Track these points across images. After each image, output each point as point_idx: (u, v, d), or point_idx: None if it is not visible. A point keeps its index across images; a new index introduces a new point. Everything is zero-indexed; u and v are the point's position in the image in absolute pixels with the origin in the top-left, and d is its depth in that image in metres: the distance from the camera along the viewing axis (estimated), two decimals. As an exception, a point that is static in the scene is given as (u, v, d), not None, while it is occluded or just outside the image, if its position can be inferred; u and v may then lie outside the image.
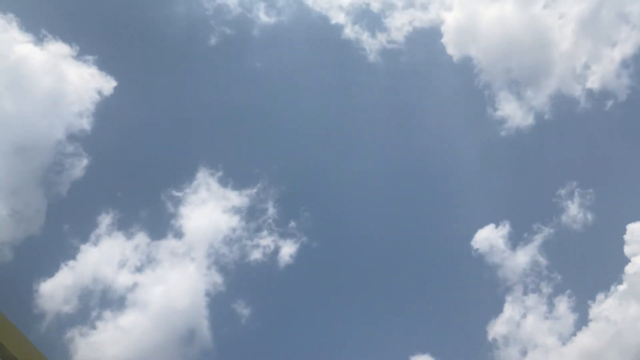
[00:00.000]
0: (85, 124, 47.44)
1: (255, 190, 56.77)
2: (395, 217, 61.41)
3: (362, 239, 60.81)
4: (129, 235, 51.04)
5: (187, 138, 57.49)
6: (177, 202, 55.11)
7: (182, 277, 50.45)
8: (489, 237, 57.88)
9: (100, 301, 47.55)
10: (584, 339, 52.43)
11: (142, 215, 53.71)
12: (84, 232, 50.39)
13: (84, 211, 50.48)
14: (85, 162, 47.51)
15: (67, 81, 45.70)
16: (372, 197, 60.78)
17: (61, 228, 46.96)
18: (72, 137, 45.69)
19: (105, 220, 49.96)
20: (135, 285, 48.36)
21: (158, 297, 48.40)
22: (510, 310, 55.43)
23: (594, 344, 50.90)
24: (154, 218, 53.86)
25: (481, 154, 60.28)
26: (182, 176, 61.79)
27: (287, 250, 58.57)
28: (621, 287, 53.80)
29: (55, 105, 43.67)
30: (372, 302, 59.82)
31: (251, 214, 57.38)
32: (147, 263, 49.30)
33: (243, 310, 53.39)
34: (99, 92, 46.85)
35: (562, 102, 57.28)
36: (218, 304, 53.22)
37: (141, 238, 50.02)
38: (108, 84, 47.32)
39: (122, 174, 53.74)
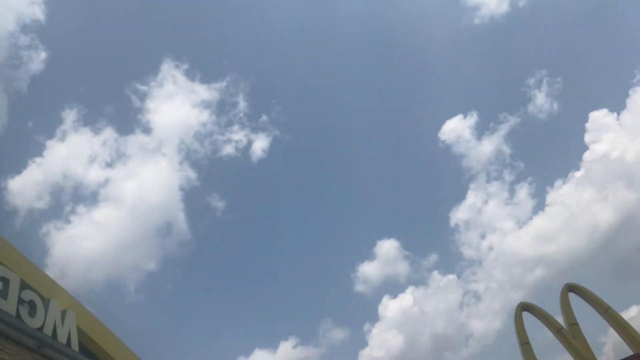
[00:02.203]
0: (38, 12, 44.03)
1: (224, 83, 55.54)
2: (366, 107, 61.03)
3: (334, 130, 60.57)
4: (96, 131, 49.59)
5: (150, 26, 54.47)
6: (143, 96, 53.61)
7: (154, 173, 49.49)
8: (456, 128, 57.78)
9: (72, 196, 46.55)
10: (540, 222, 53.29)
11: (107, 110, 52.12)
12: (49, 128, 48.78)
13: (47, 107, 48.80)
14: (43, 54, 45.26)
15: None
16: (344, 87, 60.27)
17: (25, 125, 45.32)
18: (26, 28, 43.06)
19: (69, 115, 48.42)
20: (107, 181, 47.48)
21: (131, 192, 47.52)
22: (472, 197, 56.06)
23: (548, 227, 51.69)
24: (120, 113, 52.26)
25: (454, 42, 59.69)
26: (146, 68, 59.65)
27: (260, 144, 57.79)
28: (578, 173, 54.42)
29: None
30: (342, 190, 60.07)
31: (221, 107, 56.18)
32: (117, 158, 48.07)
33: (218, 203, 53.11)
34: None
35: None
36: (192, 198, 52.85)
37: (109, 133, 48.83)
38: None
39: (83, 67, 51.64)
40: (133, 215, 46.55)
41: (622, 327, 18.76)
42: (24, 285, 8.22)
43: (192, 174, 51.20)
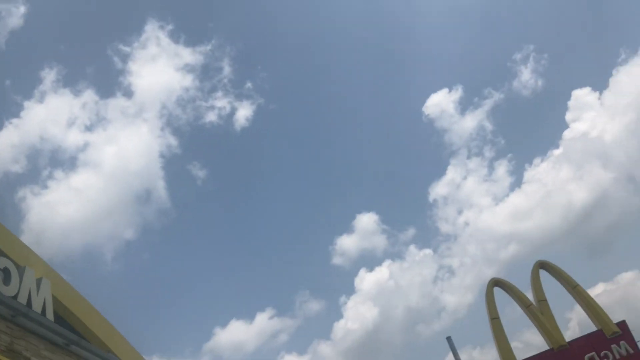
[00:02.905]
0: None
1: (209, 46, 54.39)
2: (353, 79, 61.04)
3: (318, 102, 60.55)
4: (76, 93, 48.40)
5: None
6: (125, 57, 52.21)
7: (134, 138, 48.82)
8: (440, 102, 58.43)
9: (50, 160, 45.71)
10: (516, 199, 54.92)
11: (88, 71, 50.69)
12: (27, 88, 47.39)
13: (25, 65, 47.33)
14: (22, 9, 43.69)
15: None
16: (330, 58, 60.11)
17: (2, 83, 44.06)
18: None
19: (49, 75, 47.02)
20: (86, 145, 46.65)
21: (111, 157, 46.88)
22: (452, 172, 57.22)
23: (523, 204, 53.32)
24: (101, 74, 51.01)
25: (442, 16, 59.81)
26: (129, 28, 57.92)
27: (243, 112, 57.33)
28: (557, 152, 55.80)
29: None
30: (324, 162, 60.55)
31: (205, 72, 55.17)
32: (97, 122, 47.06)
33: (199, 172, 52.91)
34: None
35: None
36: (173, 166, 52.49)
37: (89, 96, 47.71)
38: None
39: (64, 24, 49.89)
40: (112, 182, 45.81)
41: (588, 304, 19.41)
42: (-3, 253, 8.10)
43: (173, 140, 50.36)
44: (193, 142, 53.44)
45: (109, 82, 49.97)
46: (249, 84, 53.50)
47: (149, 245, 50.86)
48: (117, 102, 47.79)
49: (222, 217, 57.59)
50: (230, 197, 58.00)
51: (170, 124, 50.29)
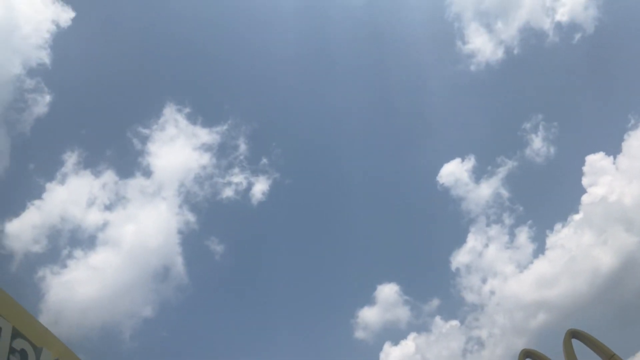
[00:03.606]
0: (45, 56, 44.33)
1: (225, 126, 55.13)
2: (366, 152, 60.84)
3: (333, 175, 60.15)
4: (97, 174, 48.75)
5: (153, 71, 55.14)
6: (144, 139, 52.92)
7: (153, 216, 48.36)
8: (454, 172, 57.64)
9: (70, 240, 45.28)
10: (541, 266, 52.45)
11: (108, 153, 51.39)
12: (50, 170, 48.08)
13: (48, 149, 48.30)
14: (47, 98, 45.06)
15: (19, 10, 42.77)
16: (344, 132, 60.25)
17: (26, 167, 44.78)
18: (31, 72, 43.13)
19: (70, 158, 47.67)
20: (105, 224, 46.27)
21: (129, 236, 46.30)
22: (473, 240, 55.24)
23: (549, 271, 50.90)
24: (121, 156, 51.65)
25: (450, 88, 60.21)
26: (148, 112, 59.38)
27: (260, 187, 57.02)
28: (577, 217, 53.91)
29: (9, 37, 40.70)
30: (341, 234, 58.99)
31: (222, 151, 55.64)
32: (116, 202, 47.00)
33: (216, 247, 51.77)
34: (56, 23, 44.19)
35: (531, 35, 57.08)
36: (191, 242, 51.53)
37: (109, 176, 47.91)
38: (65, 14, 44.53)
39: (85, 110, 51.41)
40: (130, 260, 46.02)
41: (628, 375, 18.31)
42: (15, 334, 8.04)
43: (191, 217, 50.88)
44: (211, 218, 53.96)
45: (129, 162, 51.61)
46: (264, 160, 54.73)
47: (167, 322, 50.05)
48: (137, 182, 49.01)
49: (240, 291, 56.90)
50: (248, 270, 57.60)
51: (188, 200, 51.11)
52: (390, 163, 63.21)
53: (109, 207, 46.46)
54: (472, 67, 59.81)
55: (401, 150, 63.45)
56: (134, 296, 45.18)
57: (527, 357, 20.07)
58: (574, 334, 20.27)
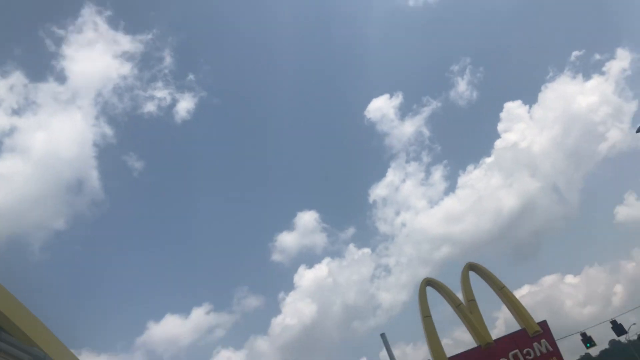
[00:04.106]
0: None
1: (150, 35, 52.92)
2: (296, 80, 61.58)
3: (262, 99, 60.62)
4: (3, 74, 45.60)
5: None
6: (59, 40, 49.51)
7: (66, 125, 46.59)
8: (382, 107, 60.71)
9: None
10: (450, 203, 58.07)
11: (17, 52, 47.84)
12: None
13: None
14: None
15: None
16: (276, 57, 60.28)
17: None
18: None
19: None
20: (12, 129, 43.97)
21: (40, 144, 44.49)
22: (392, 175, 59.69)
23: (457, 208, 56.61)
24: (31, 56, 48.24)
25: (387, 21, 61.64)
26: (65, 10, 55.42)
27: (185, 104, 56.19)
28: (489, 160, 59.59)
29: None
30: (266, 161, 60.58)
31: (145, 61, 53.67)
32: (25, 106, 44.57)
33: (135, 163, 51.31)
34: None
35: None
36: (108, 156, 50.60)
37: (17, 78, 45.06)
38: None
39: None
40: (41, 169, 43.42)
41: (513, 305, 20.45)
42: None
43: (108, 130, 48.36)
44: (130, 132, 51.68)
45: (41, 65, 47.38)
46: (191, 76, 52.46)
47: (80, 237, 48.61)
48: (49, 87, 45.38)
49: (158, 210, 56.15)
50: (168, 190, 56.63)
51: (106, 112, 48.35)
52: (320, 92, 63.02)
53: (17, 112, 42.99)
54: (410, 2, 59.52)
55: (333, 80, 63.23)
56: (44, 207, 43.19)
57: (429, 285, 21.73)
58: (471, 266, 22.13)
